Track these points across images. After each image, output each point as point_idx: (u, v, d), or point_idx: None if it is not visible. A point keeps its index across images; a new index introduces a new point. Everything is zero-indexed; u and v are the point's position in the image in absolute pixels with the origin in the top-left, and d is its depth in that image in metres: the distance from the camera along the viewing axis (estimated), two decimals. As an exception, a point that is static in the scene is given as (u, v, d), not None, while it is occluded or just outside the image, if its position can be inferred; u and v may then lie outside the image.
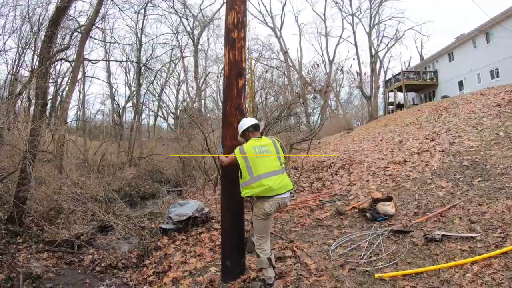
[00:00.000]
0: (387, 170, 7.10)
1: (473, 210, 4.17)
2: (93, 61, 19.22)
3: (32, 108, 11.88)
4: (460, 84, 21.00)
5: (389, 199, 5.02)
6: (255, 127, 3.34)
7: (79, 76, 18.27)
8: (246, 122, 3.33)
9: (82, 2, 21.40)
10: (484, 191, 4.73)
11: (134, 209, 9.39)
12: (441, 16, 48.20)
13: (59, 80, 19.63)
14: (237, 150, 3.16)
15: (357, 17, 29.04)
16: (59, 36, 14.27)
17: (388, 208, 4.70)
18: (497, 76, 17.83)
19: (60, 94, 20.13)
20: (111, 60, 24.99)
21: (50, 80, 15.88)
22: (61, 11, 7.55)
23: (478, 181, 5.17)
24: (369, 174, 7.34)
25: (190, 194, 10.86)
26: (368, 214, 4.78)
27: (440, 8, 48.55)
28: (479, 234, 3.53)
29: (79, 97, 24.91)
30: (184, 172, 13.71)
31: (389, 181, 6.33)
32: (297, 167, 10.55)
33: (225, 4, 3.96)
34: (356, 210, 5.21)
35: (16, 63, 14.38)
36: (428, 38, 48.95)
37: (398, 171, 6.87)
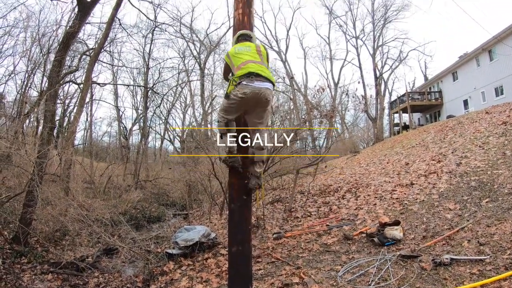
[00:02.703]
0: (394, 193, 7.06)
1: (481, 232, 4.12)
2: (101, 84, 19.75)
3: (40, 128, 12.11)
4: (465, 103, 21.05)
5: (396, 223, 4.99)
6: (244, 37, 3.64)
7: (87, 99, 18.76)
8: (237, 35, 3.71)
9: (91, 25, 22.19)
10: (492, 212, 4.68)
11: (140, 232, 9.36)
12: (444, 35, 49.01)
13: (66, 101, 20.11)
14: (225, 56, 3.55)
15: (361, 40, 29.55)
16: (68, 58, 14.93)
17: (395, 232, 4.66)
18: (502, 94, 17.88)
19: (67, 115, 20.59)
20: (119, 84, 25.50)
21: (58, 101, 16.43)
22: (71, 35, 7.81)
23: (486, 202, 5.12)
24: (376, 197, 7.30)
25: (196, 218, 10.82)
26: (375, 239, 4.75)
27: (443, 28, 49.40)
28: (488, 257, 3.48)
29: (87, 119, 25.38)
30: (190, 195, 13.70)
31: (397, 205, 6.29)
32: (303, 192, 10.53)
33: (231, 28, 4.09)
34: (364, 235, 5.17)
35: (25, 83, 14.71)
36: (431, 58, 49.44)
37: (405, 194, 6.83)
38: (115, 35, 18.38)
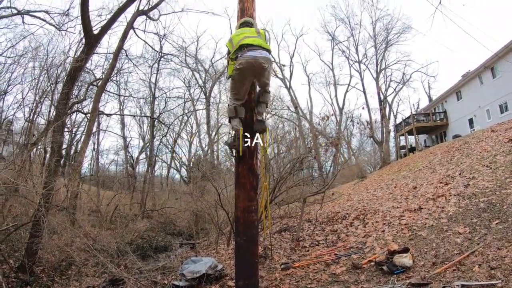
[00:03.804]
0: (403, 219, 6.94)
1: (492, 256, 4.02)
2: (108, 115, 20.23)
3: (47, 156, 12.25)
4: (471, 121, 21.01)
5: (405, 250, 4.89)
6: (246, 24, 3.99)
7: (94, 129, 19.14)
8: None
9: (98, 56, 22.86)
10: (502, 233, 4.57)
11: (147, 262, 9.23)
12: (446, 54, 49.74)
13: (73, 130, 20.54)
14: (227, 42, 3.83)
15: (364, 64, 29.94)
16: (75, 88, 15.39)
17: (405, 260, 4.56)
18: (507, 110, 17.87)
19: (74, 144, 20.81)
20: (125, 114, 25.97)
21: (65, 130, 16.77)
22: (78, 68, 8.11)
23: (496, 223, 5.01)
24: (384, 224, 7.18)
25: (203, 248, 10.66)
26: (385, 267, 4.64)
27: (444, 48, 50.17)
28: (500, 281, 3.38)
29: (94, 148, 25.65)
30: (197, 225, 13.56)
31: (405, 231, 6.17)
32: (311, 220, 10.39)
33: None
34: (373, 263, 5.05)
35: (33, 111, 14.95)
36: (435, 79, 49.80)
37: (414, 219, 6.72)
38: (122, 65, 19.12)
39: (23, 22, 14.88)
